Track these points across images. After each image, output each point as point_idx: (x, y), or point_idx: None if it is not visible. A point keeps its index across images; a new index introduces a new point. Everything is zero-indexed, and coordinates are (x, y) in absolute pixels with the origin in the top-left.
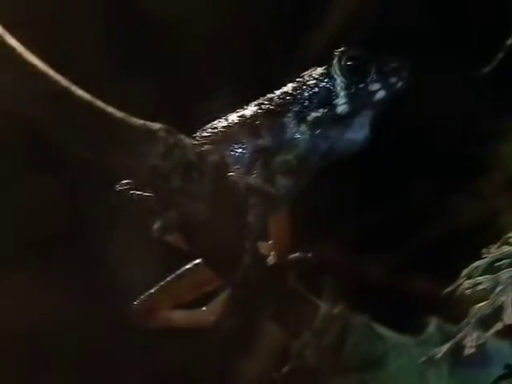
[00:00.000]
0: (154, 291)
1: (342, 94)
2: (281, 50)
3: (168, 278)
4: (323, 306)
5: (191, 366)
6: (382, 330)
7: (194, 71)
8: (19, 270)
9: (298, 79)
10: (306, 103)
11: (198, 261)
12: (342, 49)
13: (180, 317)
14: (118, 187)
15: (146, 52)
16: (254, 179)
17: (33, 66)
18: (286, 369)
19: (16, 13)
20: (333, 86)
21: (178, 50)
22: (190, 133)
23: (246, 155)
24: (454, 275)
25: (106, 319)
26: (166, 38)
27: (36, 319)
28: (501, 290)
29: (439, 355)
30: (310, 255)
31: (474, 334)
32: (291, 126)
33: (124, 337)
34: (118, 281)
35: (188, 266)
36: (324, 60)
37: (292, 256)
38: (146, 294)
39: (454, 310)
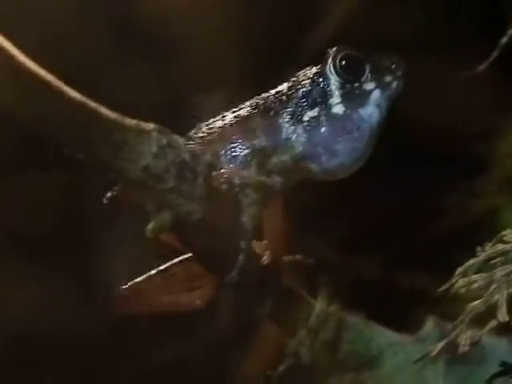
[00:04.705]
0: (142, 280)
1: (337, 93)
2: (275, 49)
3: (157, 269)
4: (318, 305)
5: (188, 364)
6: (379, 328)
7: (191, 70)
8: (10, 264)
9: (292, 79)
10: (301, 103)
11: (188, 255)
12: (336, 48)
13: (167, 300)
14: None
15: (144, 51)
16: (247, 173)
17: (26, 67)
18: (281, 367)
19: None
20: (327, 85)
21: (174, 49)
22: (187, 131)
23: (242, 155)
24: (451, 273)
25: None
26: (161, 36)
27: (27, 312)
28: (495, 288)
29: (434, 353)
30: (309, 260)
31: (468, 332)
32: (287, 126)
33: (117, 334)
34: (110, 276)
35: (178, 260)
36: (318, 59)
37: (289, 257)
38: (134, 281)
39: (452, 308)
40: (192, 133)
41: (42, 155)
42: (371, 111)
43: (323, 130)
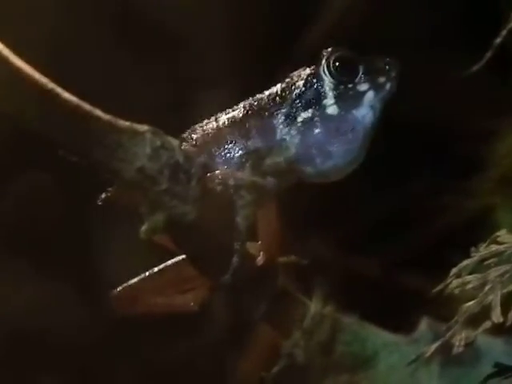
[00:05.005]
0: (136, 282)
1: (331, 94)
2: (269, 49)
3: (151, 271)
4: (313, 306)
5: (185, 365)
6: (373, 328)
7: (185, 71)
8: (8, 265)
9: (286, 80)
10: (295, 104)
11: (182, 257)
12: (329, 49)
13: (162, 302)
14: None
15: (141, 51)
16: (241, 174)
17: (19, 69)
18: (275, 369)
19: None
20: (321, 86)
21: (167, 50)
22: (181, 132)
23: (236, 156)
24: (446, 274)
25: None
26: (155, 37)
27: (26, 312)
28: (489, 289)
29: (428, 354)
30: (304, 261)
31: (463, 333)
32: (281, 127)
33: (116, 334)
34: (105, 277)
35: (172, 261)
36: (312, 60)
37: (284, 258)
38: (128, 283)
39: (446, 309)
40: (186, 134)
41: (40, 156)
42: (365, 112)
43: (317, 131)
